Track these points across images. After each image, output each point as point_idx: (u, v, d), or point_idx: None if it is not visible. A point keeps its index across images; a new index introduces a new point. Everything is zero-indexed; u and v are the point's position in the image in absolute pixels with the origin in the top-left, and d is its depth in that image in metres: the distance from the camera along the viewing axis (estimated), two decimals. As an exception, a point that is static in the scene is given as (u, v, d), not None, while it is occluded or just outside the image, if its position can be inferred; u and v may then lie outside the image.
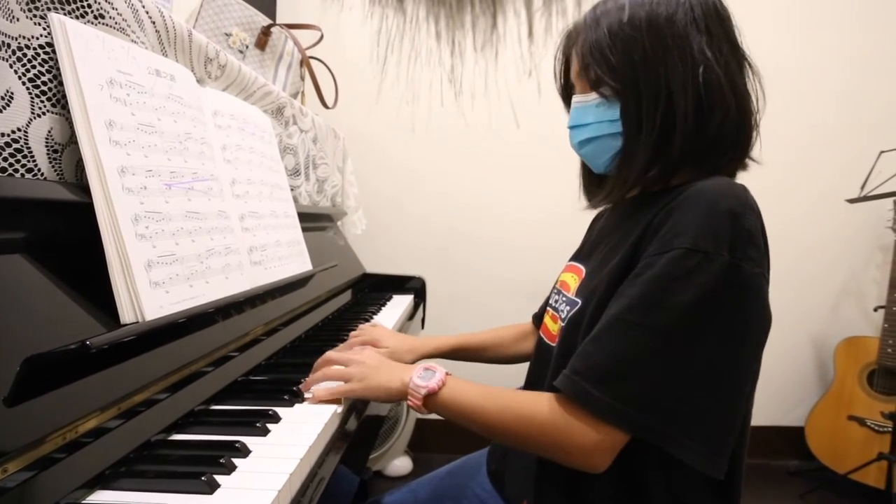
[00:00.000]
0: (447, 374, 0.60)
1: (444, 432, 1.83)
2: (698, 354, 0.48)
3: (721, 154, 0.57)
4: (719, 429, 0.49)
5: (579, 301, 0.60)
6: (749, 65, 0.58)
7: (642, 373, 0.49)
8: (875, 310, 1.70)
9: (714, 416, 0.49)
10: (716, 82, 0.54)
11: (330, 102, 1.37)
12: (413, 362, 0.82)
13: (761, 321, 0.50)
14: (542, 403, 0.53)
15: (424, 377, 0.59)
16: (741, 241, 0.49)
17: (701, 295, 0.48)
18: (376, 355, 0.68)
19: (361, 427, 0.63)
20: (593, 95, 0.60)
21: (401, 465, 1.75)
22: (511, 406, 0.55)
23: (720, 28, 0.56)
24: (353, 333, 0.84)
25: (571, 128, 0.65)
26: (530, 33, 1.76)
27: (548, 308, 0.73)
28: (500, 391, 0.57)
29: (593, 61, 0.58)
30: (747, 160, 0.61)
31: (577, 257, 0.74)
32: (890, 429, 1.54)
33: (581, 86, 0.62)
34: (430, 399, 0.58)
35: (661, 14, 0.55)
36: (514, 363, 0.91)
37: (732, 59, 0.56)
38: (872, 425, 1.62)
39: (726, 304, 0.48)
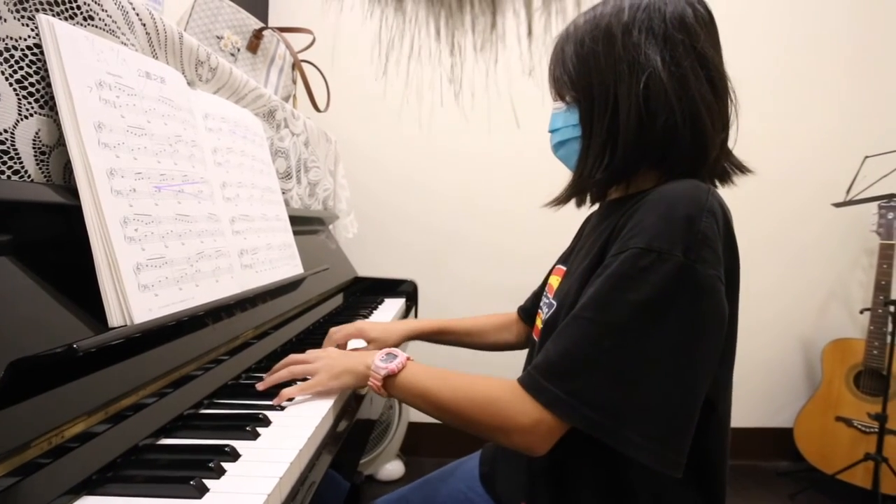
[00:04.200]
0: (408, 358, 0.62)
1: (436, 436, 1.82)
2: (649, 352, 0.49)
3: (679, 158, 0.58)
4: (671, 427, 0.49)
5: (555, 303, 0.62)
6: (714, 73, 0.58)
7: (593, 369, 0.50)
8: (861, 312, 1.73)
9: (665, 414, 0.49)
10: (659, 88, 0.55)
11: (322, 106, 1.37)
12: (397, 343, 0.86)
13: (715, 322, 0.51)
14: (496, 387, 0.56)
15: (386, 360, 0.61)
16: (696, 243, 0.49)
17: (653, 293, 0.49)
18: (339, 350, 0.71)
19: (352, 431, 0.63)
20: (560, 102, 0.65)
21: (392, 469, 1.74)
22: (466, 389, 0.57)
23: (683, 37, 0.57)
24: (333, 330, 0.84)
25: (550, 132, 0.68)
26: (529, 32, 1.77)
27: (539, 308, 0.74)
28: (458, 375, 0.59)
29: (560, 72, 0.63)
30: (726, 165, 0.63)
31: (562, 260, 0.77)
32: (876, 429, 1.57)
33: (554, 93, 0.67)
34: (390, 381, 0.60)
35: (618, 24, 0.58)
36: (495, 351, 0.95)
37: (693, 67, 0.56)
38: (859, 426, 1.65)
39: (679, 304, 0.49)
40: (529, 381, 0.53)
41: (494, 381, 0.57)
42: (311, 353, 0.67)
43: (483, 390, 0.56)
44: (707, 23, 0.59)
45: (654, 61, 0.56)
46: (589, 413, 0.49)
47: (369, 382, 0.61)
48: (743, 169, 0.64)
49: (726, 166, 0.63)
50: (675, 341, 0.49)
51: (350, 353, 0.67)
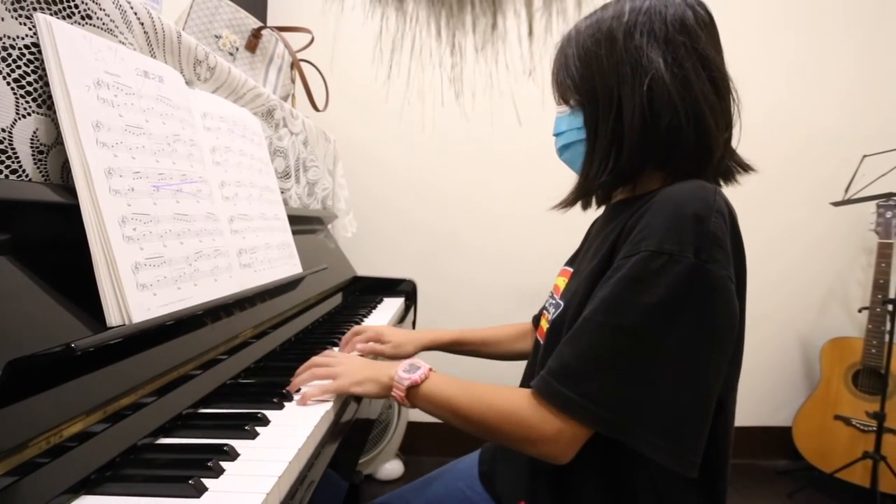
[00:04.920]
0: (430, 369, 0.62)
1: (436, 436, 1.82)
2: (664, 353, 0.49)
3: (683, 158, 0.58)
4: (687, 427, 0.50)
5: (562, 303, 0.62)
6: (716, 73, 0.58)
7: (608, 371, 0.50)
8: (859, 311, 1.73)
9: (681, 414, 0.49)
10: (663, 90, 0.56)
11: (321, 105, 1.37)
12: (415, 353, 0.87)
13: (728, 321, 0.51)
14: (516, 397, 0.56)
15: (409, 371, 0.62)
16: (706, 243, 0.49)
17: (666, 295, 0.49)
18: (361, 358, 0.71)
19: (351, 430, 0.63)
20: (564, 106, 0.65)
21: (392, 468, 1.74)
22: (486, 399, 0.57)
23: (684, 39, 0.57)
24: (354, 329, 0.87)
25: (554, 136, 0.69)
26: (530, 32, 1.77)
27: (543, 310, 0.74)
28: (479, 386, 0.59)
29: (563, 76, 0.63)
30: (730, 163, 0.63)
31: (570, 261, 0.77)
32: (874, 428, 1.57)
33: (558, 97, 0.67)
34: (413, 391, 0.61)
35: (620, 28, 0.58)
36: (513, 360, 0.94)
37: (695, 68, 0.57)
38: (858, 425, 1.65)
39: (692, 305, 0.49)
40: (544, 386, 0.53)
41: (517, 391, 0.57)
42: (332, 358, 0.68)
43: (505, 401, 0.56)
44: (707, 24, 0.59)
45: (657, 63, 0.56)
46: (606, 415, 0.50)
47: (393, 393, 0.62)
48: (746, 167, 0.64)
49: (730, 165, 0.63)
50: (689, 342, 0.49)
51: (373, 363, 0.68)
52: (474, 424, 0.57)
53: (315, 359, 0.68)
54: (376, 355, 0.85)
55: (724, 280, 0.50)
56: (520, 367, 0.94)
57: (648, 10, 0.58)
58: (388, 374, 0.63)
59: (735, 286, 0.51)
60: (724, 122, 0.59)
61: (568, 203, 0.69)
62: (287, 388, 0.63)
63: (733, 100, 0.60)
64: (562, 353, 0.53)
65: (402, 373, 0.61)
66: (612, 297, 0.51)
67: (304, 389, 0.62)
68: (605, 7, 0.62)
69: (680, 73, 0.56)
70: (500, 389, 0.58)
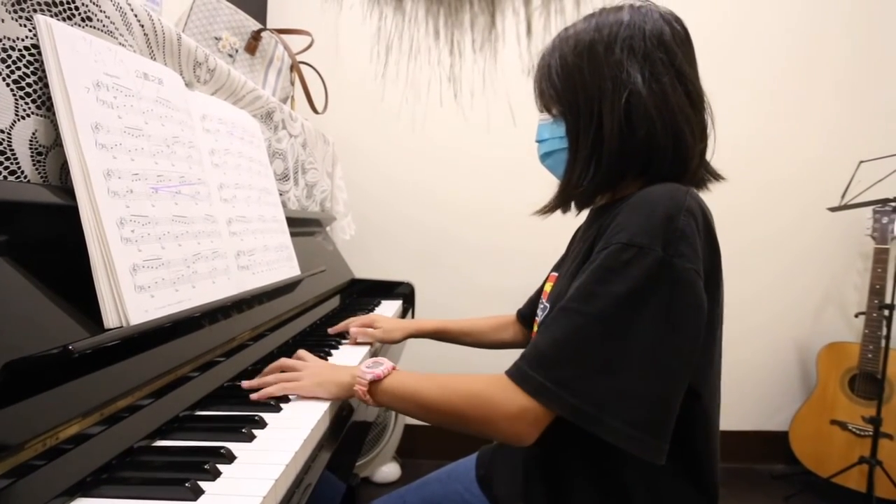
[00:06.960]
0: (393, 367, 0.63)
1: (433, 439, 1.82)
2: (631, 341, 0.51)
3: (661, 168, 0.60)
4: (650, 414, 0.51)
5: (548, 306, 0.65)
6: (691, 87, 0.60)
7: (577, 357, 0.52)
8: (856, 316, 1.73)
9: (644, 402, 0.51)
10: (640, 104, 0.58)
11: (320, 108, 1.37)
12: (402, 339, 0.97)
13: (694, 313, 0.53)
14: (483, 379, 0.57)
15: (372, 367, 0.63)
16: (674, 239, 0.52)
17: (634, 285, 0.51)
18: (325, 362, 0.72)
19: (349, 433, 0.63)
20: (547, 114, 0.67)
21: (389, 471, 1.74)
22: (451, 385, 0.58)
23: (662, 55, 0.59)
24: (351, 319, 0.95)
25: (537, 142, 0.70)
26: (529, 31, 1.77)
27: (535, 315, 0.75)
28: (445, 375, 0.60)
29: (546, 85, 0.65)
30: (706, 172, 0.65)
31: (556, 267, 0.79)
32: (871, 433, 1.57)
33: (540, 105, 0.69)
34: (375, 386, 0.61)
35: (601, 41, 0.60)
36: (492, 349, 1.01)
37: (672, 83, 0.59)
38: (854, 429, 1.65)
39: (659, 295, 0.51)
40: (515, 371, 0.55)
41: (481, 376, 0.58)
42: (299, 362, 0.69)
43: (470, 384, 0.58)
44: (683, 40, 0.62)
45: (636, 78, 0.58)
46: (572, 401, 0.51)
47: (355, 388, 0.62)
48: (717, 176, 0.66)
49: (703, 174, 0.65)
50: (656, 331, 0.51)
51: (337, 365, 0.69)
52: (438, 411, 0.58)
53: (283, 360, 0.69)
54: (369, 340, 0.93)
55: (689, 273, 0.52)
56: (500, 361, 0.95)
57: (629, 24, 0.60)
58: (350, 373, 0.64)
59: (706, 281, 0.53)
60: (700, 133, 0.62)
61: (548, 209, 0.71)
62: (242, 384, 0.64)
63: (708, 112, 0.63)
64: (536, 341, 0.56)
65: (365, 368, 0.63)
66: (585, 287, 0.54)
67: (264, 391, 0.63)
68: (587, 18, 0.64)
69: (657, 87, 0.58)
70: (465, 376, 0.59)
